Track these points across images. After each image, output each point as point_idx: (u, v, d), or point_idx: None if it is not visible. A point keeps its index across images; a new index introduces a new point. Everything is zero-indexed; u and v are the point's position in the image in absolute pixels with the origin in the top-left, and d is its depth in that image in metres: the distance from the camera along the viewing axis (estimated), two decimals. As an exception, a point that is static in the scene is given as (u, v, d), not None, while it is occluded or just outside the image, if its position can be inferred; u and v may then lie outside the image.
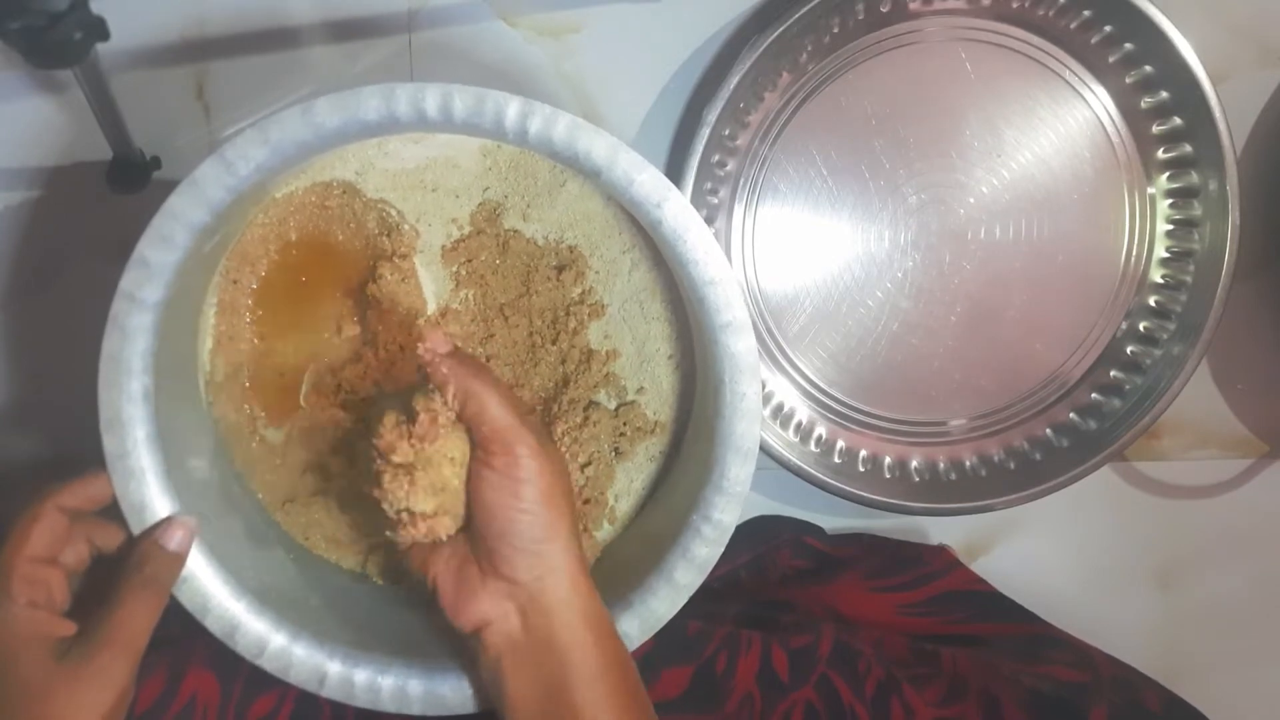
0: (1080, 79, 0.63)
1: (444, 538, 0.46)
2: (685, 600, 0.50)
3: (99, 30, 0.44)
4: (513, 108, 0.46)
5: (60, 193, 0.62)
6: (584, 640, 0.45)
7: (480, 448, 0.45)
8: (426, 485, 0.44)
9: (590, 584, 0.46)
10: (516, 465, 0.44)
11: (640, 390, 0.57)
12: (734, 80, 0.58)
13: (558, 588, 0.45)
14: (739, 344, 0.49)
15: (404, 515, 0.45)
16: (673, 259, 0.50)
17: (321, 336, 0.54)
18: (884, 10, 0.61)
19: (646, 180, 0.48)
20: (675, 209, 0.48)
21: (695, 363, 0.56)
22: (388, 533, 0.46)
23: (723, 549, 0.50)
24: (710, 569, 0.50)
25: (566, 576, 0.45)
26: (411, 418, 0.44)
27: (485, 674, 0.46)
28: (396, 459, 0.44)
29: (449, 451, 0.44)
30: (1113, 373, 0.66)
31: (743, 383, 0.49)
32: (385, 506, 0.45)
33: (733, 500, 0.50)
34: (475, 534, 0.45)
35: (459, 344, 0.46)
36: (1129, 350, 0.65)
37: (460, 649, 0.49)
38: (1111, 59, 0.62)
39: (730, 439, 0.49)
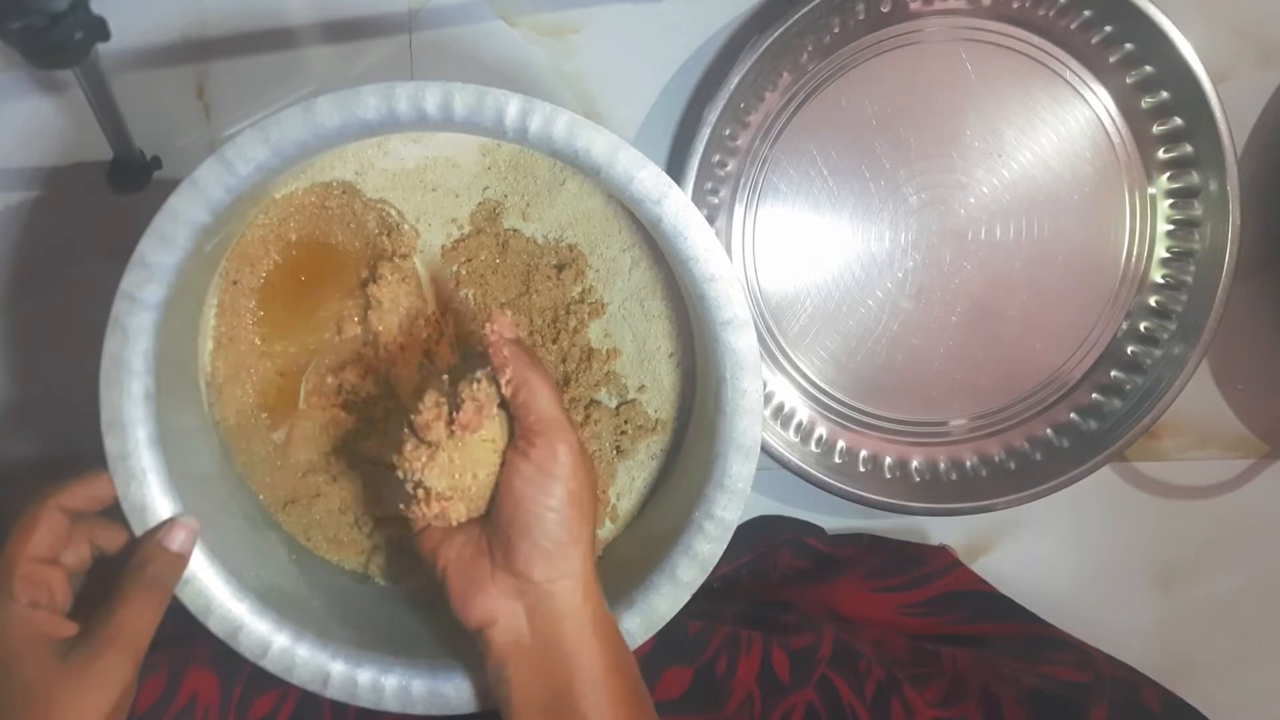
0: (1080, 79, 0.63)
1: (454, 523, 0.46)
2: (688, 598, 0.50)
3: (99, 30, 0.44)
4: (513, 106, 0.46)
5: (60, 193, 0.62)
6: (591, 645, 0.44)
7: (521, 437, 0.44)
8: (445, 464, 0.44)
9: (600, 591, 0.46)
10: (554, 460, 0.44)
11: (641, 388, 0.57)
12: (734, 80, 0.58)
13: (571, 592, 0.44)
14: (740, 341, 0.49)
15: (419, 491, 0.45)
16: (673, 256, 0.50)
17: (322, 337, 0.54)
18: (884, 10, 0.61)
19: (646, 177, 0.48)
20: (675, 206, 0.48)
21: (696, 360, 0.56)
22: (400, 505, 0.46)
23: (725, 546, 0.50)
24: (713, 566, 0.50)
25: (580, 582, 0.45)
26: (454, 401, 0.44)
27: (490, 673, 0.46)
28: (429, 438, 0.44)
29: (482, 438, 0.44)
30: (1113, 373, 0.66)
31: (744, 380, 0.49)
32: (400, 473, 0.45)
33: (735, 497, 0.50)
34: (497, 525, 0.45)
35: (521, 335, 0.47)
36: (1129, 350, 0.65)
37: (464, 646, 0.49)
38: (1112, 59, 0.62)
39: (732, 436, 0.49)
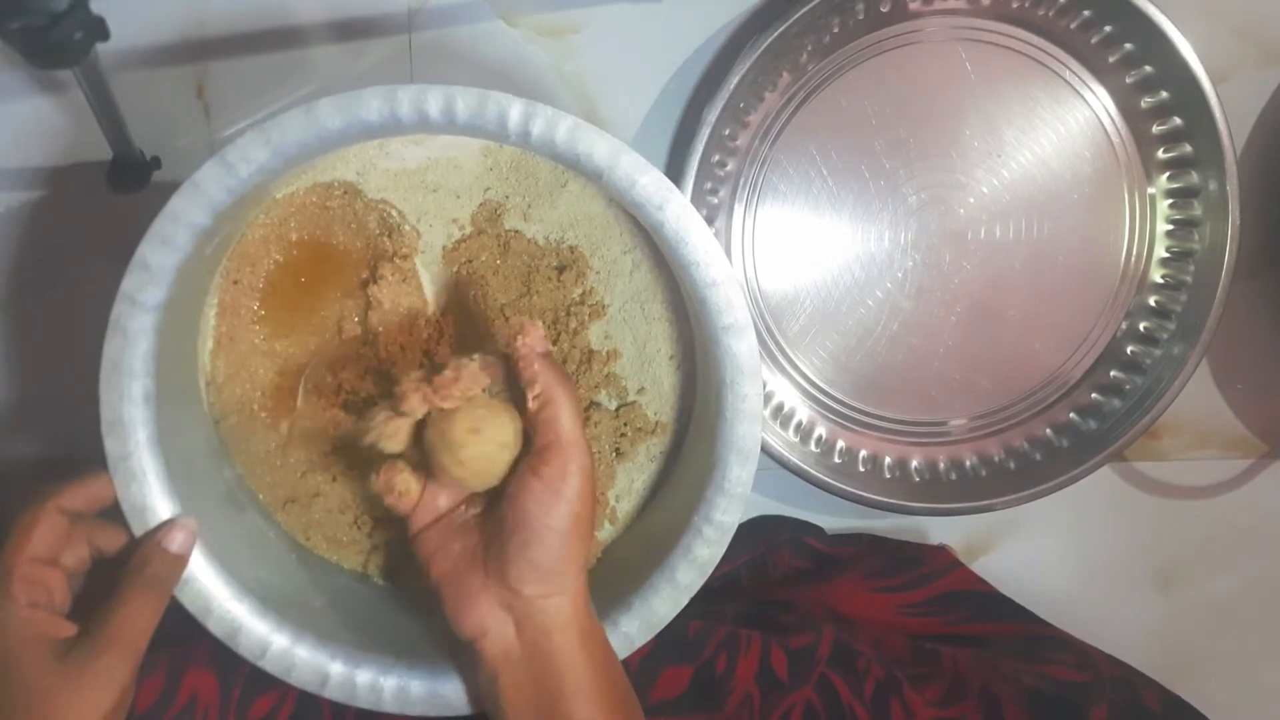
0: (1080, 79, 0.63)
1: (403, 506, 0.47)
2: (687, 600, 0.50)
3: (99, 30, 0.44)
4: (515, 109, 0.46)
5: (60, 193, 0.62)
6: (580, 659, 0.45)
7: (536, 454, 0.45)
8: (405, 431, 0.45)
9: (590, 605, 0.46)
10: (564, 481, 0.44)
11: (641, 391, 0.57)
12: (734, 80, 0.58)
13: (560, 610, 0.45)
14: (741, 346, 0.49)
15: (381, 469, 0.46)
16: (674, 261, 0.50)
17: (322, 337, 0.54)
18: (884, 10, 0.61)
19: (648, 182, 0.48)
20: (677, 211, 0.48)
21: (696, 363, 0.56)
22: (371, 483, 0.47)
23: (724, 549, 0.50)
24: (711, 570, 0.50)
25: (569, 601, 0.45)
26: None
27: (482, 683, 0.46)
28: (404, 409, 0.44)
29: (492, 439, 0.44)
30: (1113, 373, 0.66)
31: (744, 384, 0.49)
32: (364, 438, 0.46)
33: (734, 501, 0.50)
34: (496, 537, 0.45)
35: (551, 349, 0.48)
36: (1129, 350, 0.65)
37: (459, 654, 0.49)
38: (1111, 59, 0.62)
39: (732, 440, 0.49)
